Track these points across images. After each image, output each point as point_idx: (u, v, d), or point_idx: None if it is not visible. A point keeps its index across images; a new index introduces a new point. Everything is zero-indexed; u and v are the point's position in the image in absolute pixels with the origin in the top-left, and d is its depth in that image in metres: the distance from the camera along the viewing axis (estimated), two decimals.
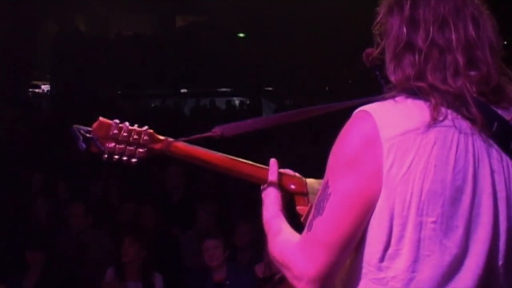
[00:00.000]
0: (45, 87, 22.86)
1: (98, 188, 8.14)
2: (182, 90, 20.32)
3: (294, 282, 1.85)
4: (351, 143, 1.78)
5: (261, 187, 2.22)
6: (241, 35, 22.49)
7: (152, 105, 18.23)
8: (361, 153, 1.76)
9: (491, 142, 1.80)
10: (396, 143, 1.74)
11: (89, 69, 20.14)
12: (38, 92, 22.40)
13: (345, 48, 15.68)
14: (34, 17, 21.43)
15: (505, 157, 1.81)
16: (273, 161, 2.22)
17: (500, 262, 1.80)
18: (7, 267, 6.44)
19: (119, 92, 19.50)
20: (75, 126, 2.14)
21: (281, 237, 1.99)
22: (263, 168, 2.22)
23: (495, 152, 1.80)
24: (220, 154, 2.22)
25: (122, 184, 8.16)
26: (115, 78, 19.93)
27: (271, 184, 2.19)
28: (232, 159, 2.22)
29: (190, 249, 6.50)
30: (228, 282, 5.69)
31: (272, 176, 2.18)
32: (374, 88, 1.96)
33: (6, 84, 18.40)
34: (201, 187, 7.90)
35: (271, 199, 2.16)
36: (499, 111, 1.81)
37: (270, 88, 20.77)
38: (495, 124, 1.79)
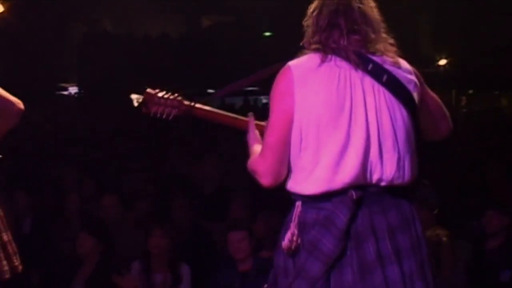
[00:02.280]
0: (73, 89, 22.89)
1: (129, 181, 8.06)
2: (209, 90, 20.26)
3: (259, 180, 2.86)
4: (277, 87, 2.83)
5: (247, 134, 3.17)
6: (268, 34, 22.44)
7: None
8: (282, 91, 2.80)
9: (366, 75, 2.77)
10: (302, 77, 2.77)
11: (116, 70, 20.19)
12: (65, 94, 22.38)
13: None
14: (61, 19, 21.49)
15: (377, 85, 2.77)
16: (250, 114, 3.21)
17: (376, 137, 2.75)
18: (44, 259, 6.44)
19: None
20: (132, 94, 3.39)
21: (253, 155, 2.96)
22: (244, 119, 3.21)
23: (368, 81, 2.77)
24: (224, 112, 3.28)
25: (154, 176, 8.07)
26: (142, 78, 19.92)
27: (250, 129, 3.16)
28: (230, 116, 3.27)
29: (223, 241, 6.38)
30: (254, 272, 5.55)
31: (251, 123, 3.17)
32: None
33: (33, 86, 18.43)
34: (235, 179, 7.79)
35: (251, 136, 3.12)
36: (374, 58, 2.81)
37: None
38: (370, 65, 2.78)
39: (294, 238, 2.76)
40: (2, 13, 17.55)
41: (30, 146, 10.57)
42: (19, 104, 4.28)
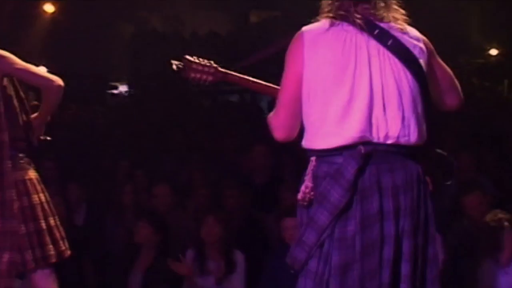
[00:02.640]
0: (123, 88, 23.08)
1: (182, 172, 8.14)
2: None
3: (273, 134, 3.18)
4: (290, 49, 3.09)
5: None
6: None
7: (230, 99, 18.17)
8: (294, 53, 3.07)
9: (372, 39, 2.98)
10: (311, 40, 3.02)
11: (166, 68, 20.29)
12: (116, 93, 22.59)
13: None
14: (110, 19, 21.70)
15: (382, 49, 2.98)
16: None
17: (380, 94, 2.95)
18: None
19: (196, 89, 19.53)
20: (172, 61, 3.65)
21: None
22: (273, 86, 3.51)
23: (374, 45, 2.98)
24: (254, 79, 3.62)
25: (206, 168, 8.12)
26: None
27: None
28: (261, 83, 3.62)
29: (274, 229, 6.38)
30: None
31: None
32: None
33: (84, 86, 18.66)
34: (285, 169, 7.80)
35: None
36: (381, 24, 3.02)
37: None
38: (376, 30, 2.99)
39: (308, 190, 3.01)
40: (53, 13, 17.87)
41: (82, 141, 10.73)
42: (58, 80, 4.43)
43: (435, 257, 3.10)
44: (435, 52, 3.19)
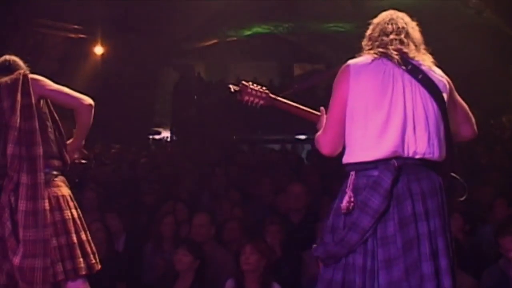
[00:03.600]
0: (165, 134, 23.33)
1: (221, 210, 8.30)
2: (300, 136, 20.42)
3: (321, 150, 3.70)
4: (338, 78, 3.60)
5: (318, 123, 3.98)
6: None
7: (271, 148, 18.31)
8: (341, 81, 3.58)
9: (406, 73, 3.55)
10: (356, 71, 3.56)
11: (210, 115, 20.57)
12: (158, 139, 22.82)
13: None
14: (156, 65, 22.06)
15: (414, 81, 3.54)
16: (322, 109, 3.97)
17: (411, 118, 3.50)
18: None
19: (235, 137, 19.74)
20: (230, 85, 4.17)
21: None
22: (315, 113, 4.01)
23: (407, 77, 3.54)
24: (300, 106, 4.03)
25: (244, 206, 8.27)
26: (234, 123, 20.26)
27: (321, 118, 3.93)
28: (305, 109, 4.05)
29: (310, 266, 6.44)
30: None
31: (322, 115, 3.97)
32: None
33: (128, 130, 18.89)
34: (320, 208, 7.88)
35: (320, 124, 3.87)
36: (413, 61, 3.60)
37: None
38: (410, 65, 3.56)
39: (351, 199, 3.48)
40: (102, 55, 18.29)
41: (125, 177, 10.97)
42: (88, 100, 4.68)
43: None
44: (454, 89, 3.76)
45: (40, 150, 4.51)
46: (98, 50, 18.42)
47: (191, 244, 6.35)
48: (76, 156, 4.99)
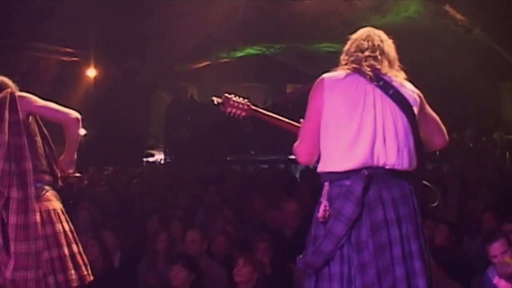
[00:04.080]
0: (159, 156, 23.38)
1: (213, 225, 8.38)
2: (291, 157, 20.46)
3: (298, 159, 3.85)
4: (313, 91, 3.74)
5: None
6: None
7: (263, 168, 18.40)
8: (316, 94, 3.72)
9: (377, 88, 3.69)
10: (330, 85, 3.69)
11: (203, 136, 20.66)
12: (151, 161, 22.85)
13: None
14: (149, 87, 22.13)
15: (385, 96, 3.68)
16: (302, 120, 3.91)
17: (381, 131, 3.63)
18: None
19: (229, 158, 19.82)
20: (213, 97, 4.26)
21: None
22: (295, 124, 4.07)
23: (378, 93, 3.68)
24: (280, 117, 4.12)
25: (236, 222, 8.36)
26: (227, 144, 20.35)
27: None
28: (285, 121, 4.12)
29: (302, 278, 6.51)
30: None
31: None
32: None
33: (121, 153, 18.88)
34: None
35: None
36: (385, 77, 3.73)
37: None
38: (381, 81, 3.70)
39: (326, 209, 3.62)
40: (95, 77, 18.40)
41: (117, 197, 11.05)
42: (75, 113, 4.77)
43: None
44: (425, 102, 3.91)
45: (30, 165, 4.58)
46: (91, 72, 18.54)
47: (186, 259, 6.42)
48: (70, 170, 5.07)
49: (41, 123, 4.85)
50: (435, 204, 4.03)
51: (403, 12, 19.61)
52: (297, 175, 15.94)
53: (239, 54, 23.62)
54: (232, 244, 7.20)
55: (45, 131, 4.87)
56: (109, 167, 16.17)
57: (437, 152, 15.34)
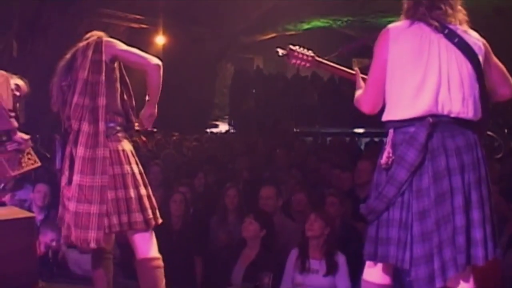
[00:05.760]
0: (223, 127, 23.47)
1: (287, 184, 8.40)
2: (357, 130, 20.33)
3: (361, 108, 3.91)
4: (378, 41, 3.79)
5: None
6: None
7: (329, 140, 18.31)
8: (381, 45, 3.76)
9: (442, 37, 3.73)
10: (395, 35, 3.74)
11: (268, 108, 20.64)
12: (216, 133, 22.93)
13: None
14: (215, 59, 22.15)
15: (450, 45, 3.73)
16: (356, 69, 4.25)
17: (446, 79, 3.69)
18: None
19: (296, 130, 19.73)
20: (277, 48, 4.34)
21: (358, 93, 4.04)
22: (353, 72, 4.25)
23: (444, 41, 3.72)
24: (341, 67, 4.27)
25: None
26: (293, 115, 20.30)
27: (357, 78, 4.20)
28: (345, 70, 4.27)
29: None
30: None
31: (357, 75, 4.21)
32: None
33: (186, 122, 19.00)
34: None
35: (358, 84, 4.14)
36: (450, 26, 3.76)
37: None
38: (446, 30, 3.74)
39: (389, 155, 3.70)
40: (163, 44, 18.49)
41: (184, 159, 11.15)
42: (157, 60, 4.73)
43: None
44: (491, 51, 3.90)
45: (103, 101, 4.60)
46: (160, 40, 18.62)
47: (258, 213, 6.45)
48: (148, 124, 5.03)
49: (124, 72, 4.87)
50: (500, 155, 4.02)
51: None
52: (362, 147, 15.91)
53: (306, 26, 23.42)
54: (308, 203, 7.17)
55: (127, 80, 4.89)
56: (176, 133, 16.28)
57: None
